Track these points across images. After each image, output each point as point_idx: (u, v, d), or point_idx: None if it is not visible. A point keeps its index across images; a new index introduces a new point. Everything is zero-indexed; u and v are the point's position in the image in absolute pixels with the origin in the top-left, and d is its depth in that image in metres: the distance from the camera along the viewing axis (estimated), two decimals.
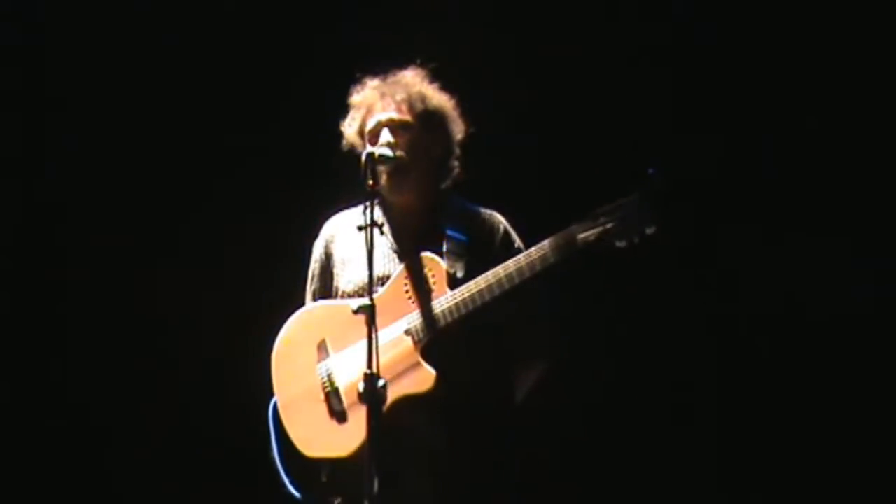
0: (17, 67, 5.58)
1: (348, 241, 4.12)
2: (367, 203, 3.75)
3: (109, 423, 5.55)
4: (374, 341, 3.60)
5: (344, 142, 4.13)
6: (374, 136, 4.02)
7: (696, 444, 5.20)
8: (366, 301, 3.65)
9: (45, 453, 5.57)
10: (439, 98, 4.07)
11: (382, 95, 4.04)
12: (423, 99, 4.04)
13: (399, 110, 4.01)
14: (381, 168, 3.91)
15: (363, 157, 3.82)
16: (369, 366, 3.59)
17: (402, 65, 4.12)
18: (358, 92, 4.12)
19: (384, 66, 4.12)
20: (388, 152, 3.90)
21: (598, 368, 5.14)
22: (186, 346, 5.42)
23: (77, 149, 5.54)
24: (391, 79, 4.09)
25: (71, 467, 5.59)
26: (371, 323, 3.61)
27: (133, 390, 5.53)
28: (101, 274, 5.54)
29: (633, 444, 5.24)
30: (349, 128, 4.12)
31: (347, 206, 4.19)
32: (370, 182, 3.77)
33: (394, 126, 4.00)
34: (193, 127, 5.48)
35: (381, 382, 3.59)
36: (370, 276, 3.68)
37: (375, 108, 4.04)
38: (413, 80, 4.07)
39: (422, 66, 4.12)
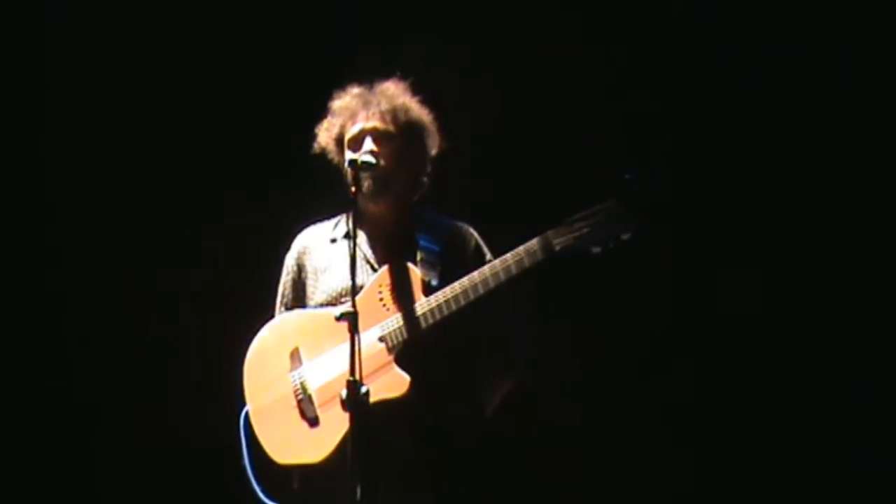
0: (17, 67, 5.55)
1: (321, 252, 4.14)
2: (348, 210, 3.84)
3: (87, 427, 5.54)
4: (356, 348, 3.62)
5: (316, 145, 4.16)
6: (356, 144, 4.05)
7: (672, 451, 5.27)
8: (348, 308, 3.68)
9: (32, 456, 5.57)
10: (420, 112, 4.12)
11: (366, 104, 4.08)
12: (407, 111, 4.08)
13: (383, 120, 4.05)
14: (363, 175, 3.94)
15: (346, 164, 3.86)
16: (352, 373, 3.62)
17: (383, 76, 4.15)
18: (340, 98, 4.15)
19: (365, 77, 4.15)
20: (371, 160, 3.96)
21: (568, 378, 5.19)
22: (161, 354, 5.43)
23: (71, 152, 5.53)
24: (375, 88, 4.12)
25: (56, 472, 5.57)
26: (354, 330, 3.65)
27: (111, 394, 5.51)
28: (86, 279, 5.54)
29: (602, 450, 5.29)
30: (326, 132, 4.15)
31: (319, 220, 4.21)
32: (352, 189, 3.79)
33: (377, 135, 4.04)
34: (183, 135, 5.50)
35: (363, 389, 3.62)
36: (353, 283, 3.73)
37: (359, 116, 4.07)
38: (397, 92, 4.11)
39: (402, 78, 4.16)
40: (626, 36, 5.24)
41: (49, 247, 5.55)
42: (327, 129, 4.14)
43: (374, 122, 4.05)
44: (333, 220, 4.18)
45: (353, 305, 3.68)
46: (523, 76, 5.28)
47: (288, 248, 4.22)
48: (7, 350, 5.57)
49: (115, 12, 5.44)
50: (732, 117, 5.19)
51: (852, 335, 5.13)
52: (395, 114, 4.05)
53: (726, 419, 5.20)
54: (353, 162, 3.87)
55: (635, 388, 5.25)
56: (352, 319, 3.65)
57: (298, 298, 4.14)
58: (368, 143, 4.02)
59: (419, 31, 5.18)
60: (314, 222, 4.22)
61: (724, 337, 5.21)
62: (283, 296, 4.19)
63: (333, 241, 4.12)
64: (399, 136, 4.05)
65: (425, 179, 4.14)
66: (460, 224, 4.16)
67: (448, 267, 3.99)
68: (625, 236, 3.83)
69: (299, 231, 4.24)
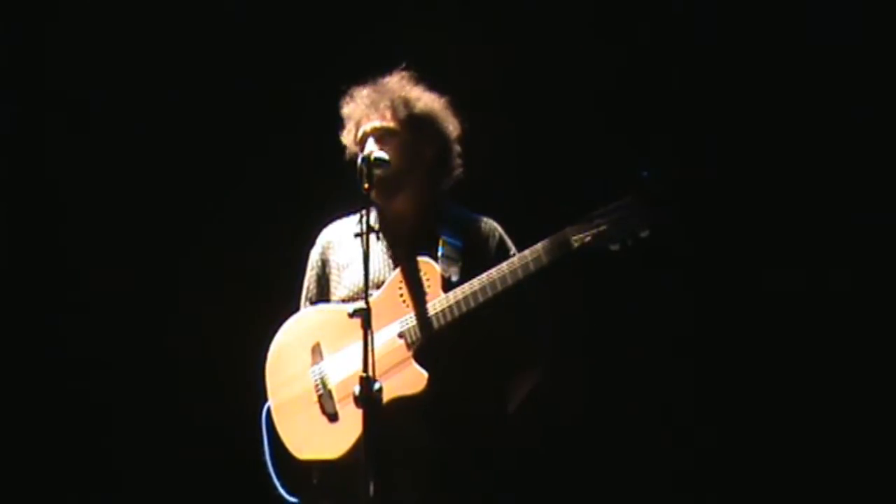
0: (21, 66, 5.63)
1: (345, 248, 4.14)
2: (363, 207, 3.79)
3: (106, 422, 5.59)
4: (369, 345, 3.62)
5: (347, 152, 4.14)
6: (362, 146, 4.03)
7: (684, 446, 5.23)
8: (361, 304, 3.67)
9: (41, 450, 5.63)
10: (425, 99, 4.08)
11: (368, 105, 4.06)
12: (407, 103, 4.04)
13: (383, 118, 4.02)
14: (376, 173, 3.91)
15: (358, 162, 3.86)
16: (365, 369, 3.61)
17: (390, 70, 4.13)
18: (347, 103, 4.14)
19: (373, 73, 4.13)
20: (384, 156, 3.93)
21: (588, 374, 5.18)
22: (184, 350, 5.45)
23: (85, 152, 5.59)
24: (377, 86, 4.10)
25: (69, 465, 5.63)
26: (367, 326, 3.64)
27: (129, 391, 5.56)
28: (106, 276, 5.59)
29: (620, 448, 5.26)
30: (346, 139, 4.14)
31: (344, 214, 4.21)
32: (366, 186, 3.80)
33: (378, 134, 4.02)
34: (200, 136, 5.53)
35: (376, 385, 3.62)
36: (366, 279, 3.71)
37: (363, 117, 4.06)
38: (397, 86, 4.08)
39: (408, 69, 4.13)
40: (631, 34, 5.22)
41: (67, 244, 5.62)
42: (346, 137, 4.14)
43: (374, 122, 4.03)
44: (357, 215, 4.15)
45: (366, 301, 3.67)
46: (538, 71, 5.27)
47: (313, 243, 4.22)
48: (28, 350, 5.64)
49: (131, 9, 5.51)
50: (740, 115, 5.14)
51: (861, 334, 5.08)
52: (394, 109, 4.02)
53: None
54: (365, 159, 3.85)
55: (639, 388, 5.25)
56: (364, 316, 3.65)
57: (322, 293, 4.15)
58: (371, 144, 3.99)
59: (433, 28, 5.17)
60: (339, 217, 4.22)
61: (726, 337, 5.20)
62: (307, 290, 4.19)
63: (357, 235, 4.10)
64: (403, 131, 4.02)
65: (454, 162, 4.11)
66: (484, 218, 4.12)
67: (469, 262, 3.96)
68: (643, 234, 3.81)
69: (324, 226, 4.24)
